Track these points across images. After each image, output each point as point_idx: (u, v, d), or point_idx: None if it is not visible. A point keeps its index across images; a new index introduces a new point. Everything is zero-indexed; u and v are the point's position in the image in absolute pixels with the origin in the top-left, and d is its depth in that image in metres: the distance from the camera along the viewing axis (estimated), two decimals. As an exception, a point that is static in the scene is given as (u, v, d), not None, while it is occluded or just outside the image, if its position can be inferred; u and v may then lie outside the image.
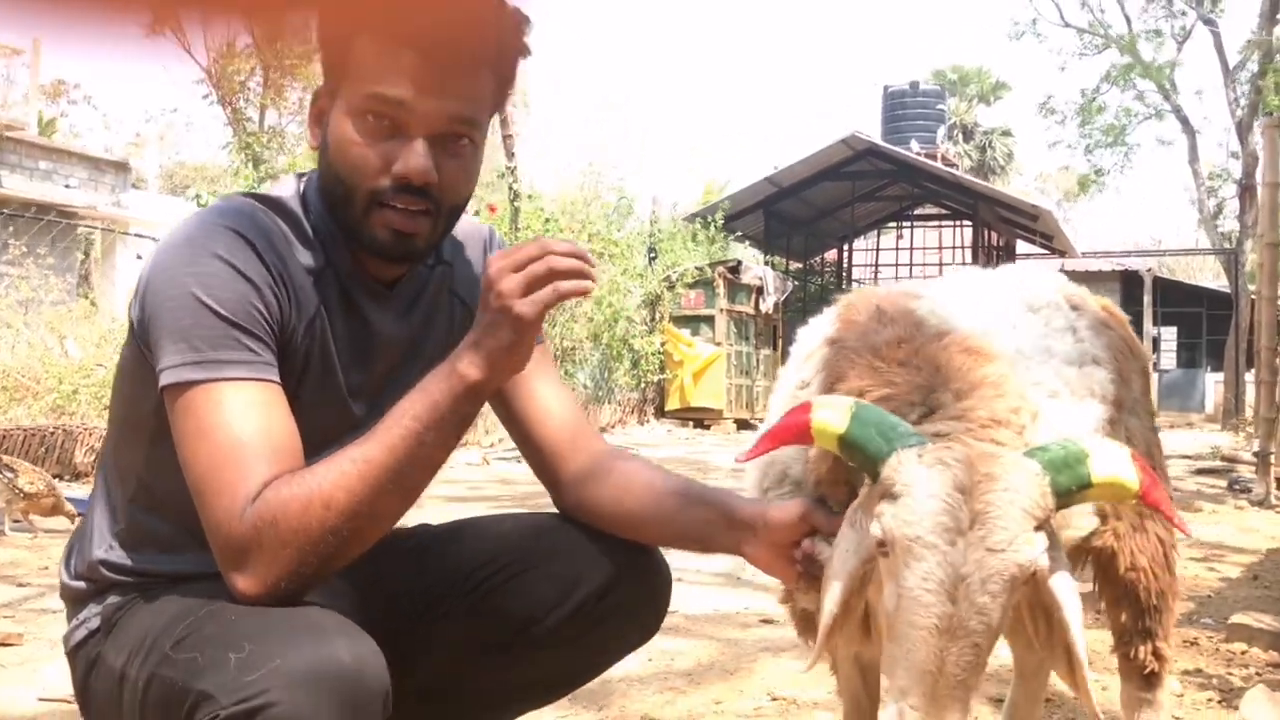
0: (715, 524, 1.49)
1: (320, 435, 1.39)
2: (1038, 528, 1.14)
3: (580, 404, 11.80)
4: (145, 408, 1.41)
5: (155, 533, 1.47)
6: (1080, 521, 1.49)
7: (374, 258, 1.45)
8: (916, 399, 1.32)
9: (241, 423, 1.28)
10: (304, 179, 1.50)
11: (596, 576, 1.55)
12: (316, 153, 1.46)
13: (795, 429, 1.28)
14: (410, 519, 1.77)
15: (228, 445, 1.27)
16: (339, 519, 1.24)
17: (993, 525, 1.12)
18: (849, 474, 1.34)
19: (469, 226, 1.65)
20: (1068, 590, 1.20)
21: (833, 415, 1.24)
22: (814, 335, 1.64)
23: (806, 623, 1.64)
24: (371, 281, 1.49)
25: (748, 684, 2.85)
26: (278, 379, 1.34)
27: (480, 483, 7.25)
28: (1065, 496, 1.17)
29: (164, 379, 1.30)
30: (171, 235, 1.38)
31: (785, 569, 1.45)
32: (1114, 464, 1.17)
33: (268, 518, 1.23)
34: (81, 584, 1.50)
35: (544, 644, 1.56)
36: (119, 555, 1.47)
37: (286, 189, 1.48)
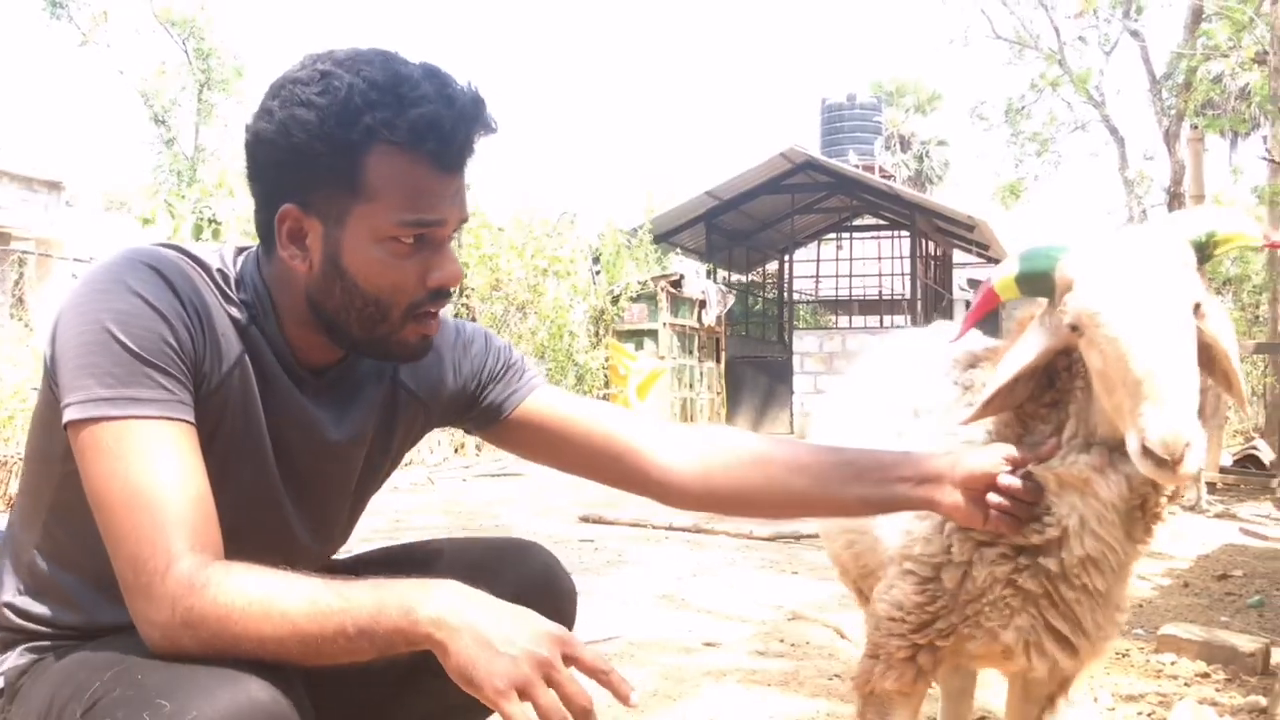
0: (901, 484, 1.56)
1: (235, 492, 1.35)
2: (1189, 271, 1.40)
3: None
4: (53, 452, 1.37)
5: (58, 585, 1.43)
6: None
7: (390, 360, 1.48)
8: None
9: (156, 465, 1.24)
10: (242, 255, 1.46)
11: (504, 595, 1.58)
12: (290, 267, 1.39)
13: (985, 300, 1.57)
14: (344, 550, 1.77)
15: (143, 489, 1.23)
16: (247, 644, 1.21)
17: (1159, 267, 1.37)
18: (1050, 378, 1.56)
19: None
20: (1224, 324, 1.46)
21: (1005, 269, 1.53)
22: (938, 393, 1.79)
23: (877, 706, 1.72)
24: (302, 364, 1.47)
25: (692, 710, 2.87)
26: (192, 420, 1.30)
27: (421, 508, 7.20)
28: (1204, 250, 1.45)
29: (69, 414, 1.25)
30: (87, 273, 1.34)
31: (978, 515, 1.54)
32: (1236, 223, 1.47)
33: (186, 601, 1.21)
34: None
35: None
36: (25, 602, 1.43)
37: (217, 259, 1.44)
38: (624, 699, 1.20)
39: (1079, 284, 1.40)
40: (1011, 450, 1.54)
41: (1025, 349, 1.52)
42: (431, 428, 1.70)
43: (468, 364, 1.65)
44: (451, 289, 1.41)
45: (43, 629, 1.43)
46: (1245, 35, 13.06)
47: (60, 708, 1.27)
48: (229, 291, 1.41)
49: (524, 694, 1.15)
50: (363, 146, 1.31)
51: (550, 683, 1.17)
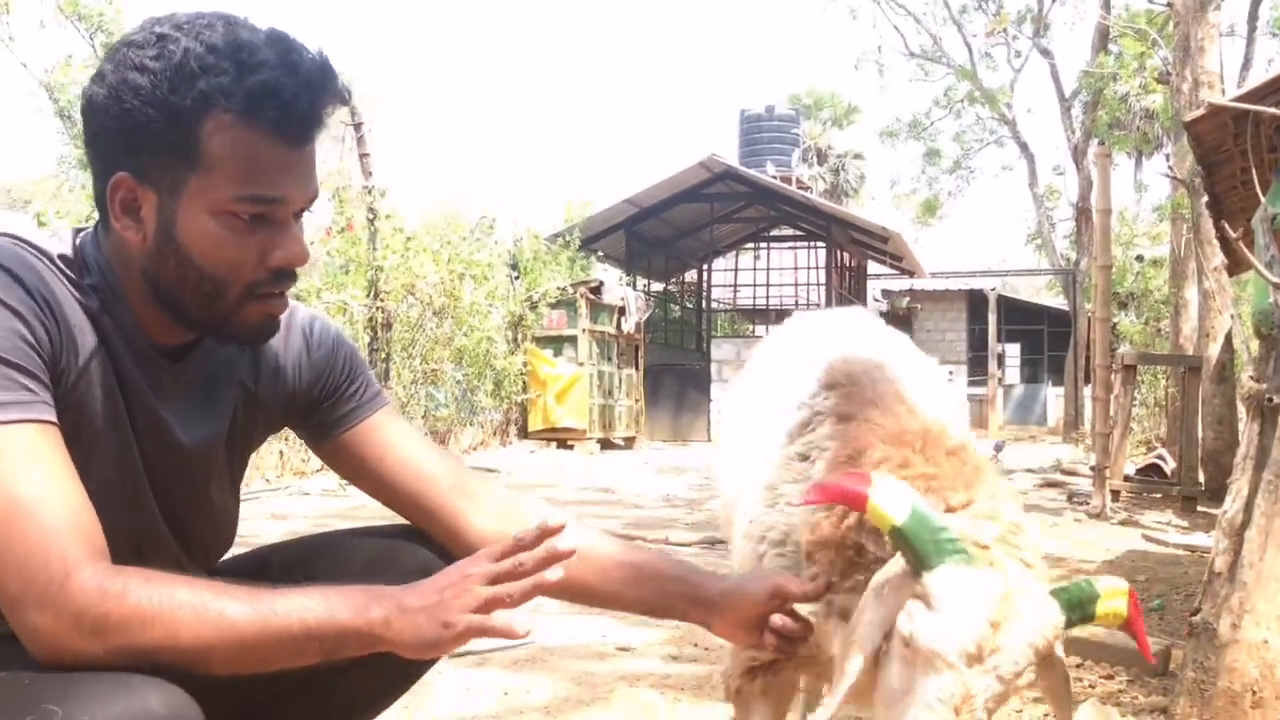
0: (677, 599, 1.60)
1: (99, 492, 1.27)
2: (1045, 658, 1.31)
3: (442, 428, 11.56)
4: None
5: None
6: None
7: (231, 340, 1.41)
8: (960, 487, 1.43)
9: (31, 472, 1.17)
10: (80, 235, 1.38)
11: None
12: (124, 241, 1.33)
13: (850, 497, 1.35)
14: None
15: (21, 498, 1.15)
16: (171, 651, 1.15)
17: (1008, 658, 1.25)
18: (856, 547, 1.46)
19: None
20: (1057, 693, 1.41)
21: (893, 505, 1.32)
22: (792, 397, 1.77)
23: (741, 703, 1.75)
24: (157, 346, 1.40)
25: (606, 716, 2.84)
26: (55, 419, 1.23)
27: (329, 515, 7.07)
28: (1069, 627, 1.35)
29: None
30: None
31: (754, 639, 1.57)
32: (1114, 604, 1.38)
33: (99, 608, 1.14)
34: None
35: (350, 665, 1.53)
36: None
37: (58, 241, 1.35)
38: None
39: (932, 621, 1.27)
40: (786, 585, 1.54)
41: (868, 633, 1.35)
42: (272, 431, 1.63)
43: (309, 369, 1.57)
44: (295, 269, 1.34)
45: None
46: (1149, 57, 13.48)
47: None
48: (75, 278, 1.33)
49: (473, 627, 1.23)
50: (198, 114, 1.25)
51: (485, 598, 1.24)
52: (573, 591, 1.59)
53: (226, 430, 1.50)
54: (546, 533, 1.27)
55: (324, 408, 1.59)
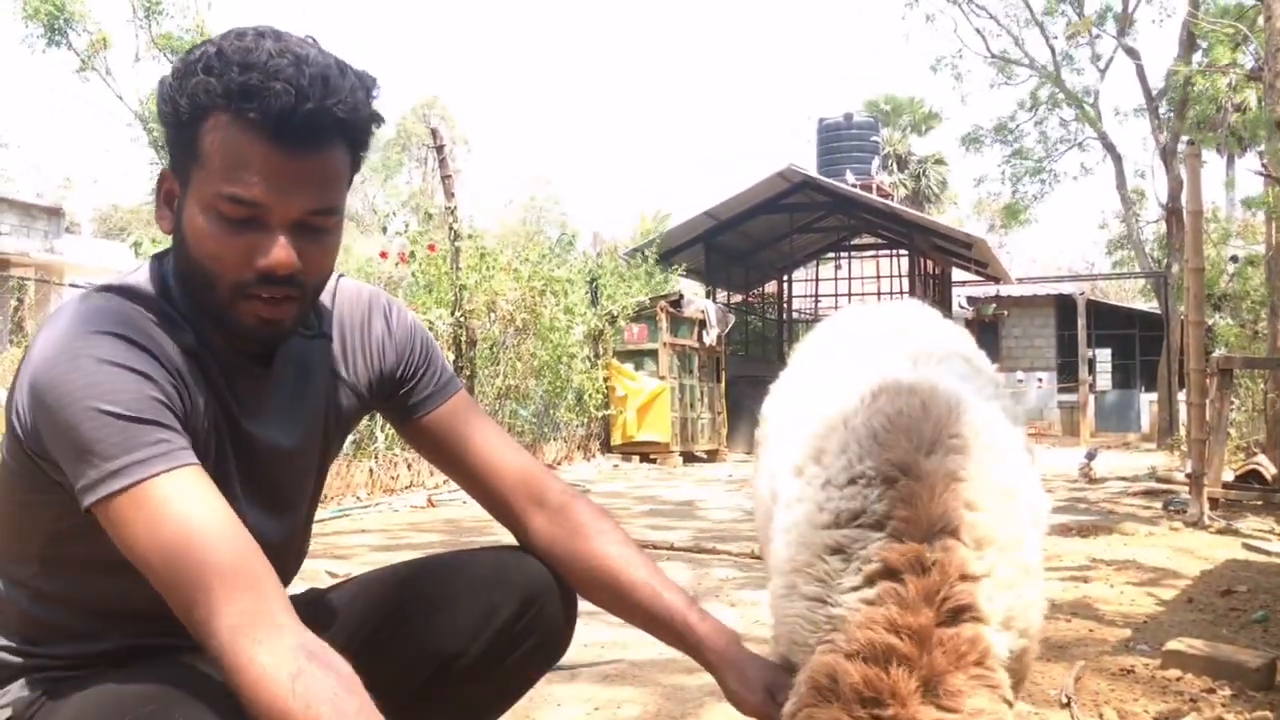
0: (674, 640, 1.68)
1: None
2: None
3: (526, 441, 11.69)
4: (40, 515, 1.39)
5: (52, 619, 1.44)
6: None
7: (236, 338, 1.43)
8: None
9: (183, 520, 1.24)
10: (163, 261, 1.46)
11: (511, 600, 1.62)
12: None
13: None
14: (342, 568, 1.78)
15: (181, 548, 1.23)
16: None
17: None
18: None
19: (352, 296, 1.63)
20: None
21: None
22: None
23: None
24: (246, 357, 1.46)
25: (694, 730, 2.84)
26: (196, 461, 1.30)
27: (421, 524, 7.18)
28: None
29: (85, 501, 1.25)
30: (44, 350, 1.32)
31: (760, 713, 1.58)
32: None
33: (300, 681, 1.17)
34: None
35: (469, 675, 1.60)
36: (17, 639, 1.45)
37: (143, 276, 1.44)
38: None
39: None
40: (774, 687, 1.54)
41: None
42: (365, 413, 1.70)
43: (392, 350, 1.64)
44: (288, 277, 1.35)
45: (41, 662, 1.43)
46: (1240, 53, 13.11)
47: None
48: (170, 314, 1.40)
49: None
50: (200, 111, 1.31)
51: None
52: (588, 586, 1.68)
53: (322, 423, 1.58)
54: None
55: (405, 391, 1.66)
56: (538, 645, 1.66)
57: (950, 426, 1.49)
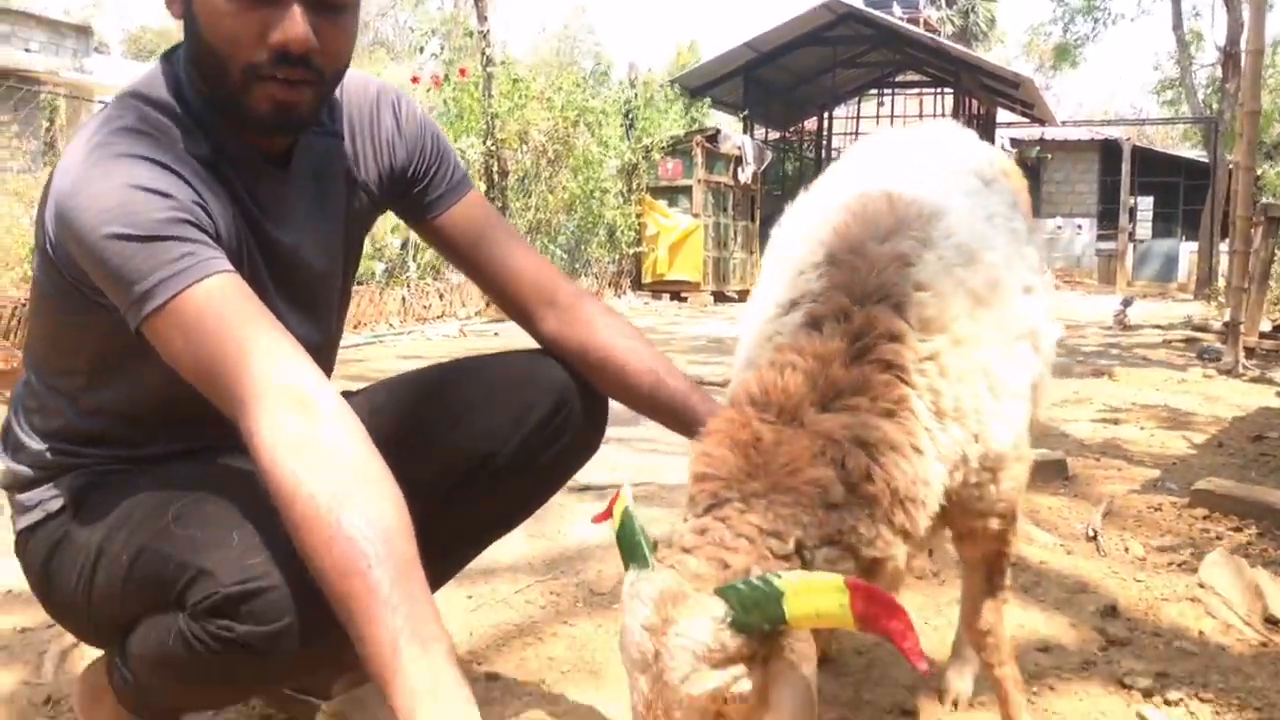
0: (676, 424, 1.66)
1: None
2: (721, 663, 1.14)
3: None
4: (84, 337, 1.40)
5: (103, 431, 1.48)
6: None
7: (255, 131, 1.39)
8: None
9: (217, 327, 1.23)
10: (174, 59, 1.41)
11: (544, 400, 1.65)
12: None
13: (608, 513, 1.36)
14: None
15: (218, 356, 1.22)
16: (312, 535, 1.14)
17: (667, 664, 1.16)
18: None
19: (359, 87, 1.57)
20: (785, 705, 1.18)
21: (615, 516, 1.31)
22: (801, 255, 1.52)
23: None
24: (264, 158, 1.43)
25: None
26: (228, 268, 1.28)
27: (453, 352, 7.25)
28: (760, 632, 1.15)
29: (131, 322, 1.25)
30: (63, 178, 1.29)
31: None
32: (813, 601, 1.12)
33: (284, 474, 1.16)
34: (28, 470, 1.49)
35: (504, 473, 1.63)
36: (68, 446, 1.48)
37: (157, 81, 1.39)
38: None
39: (620, 626, 1.24)
40: None
41: None
42: (379, 213, 1.68)
43: (402, 146, 1.61)
44: (298, 54, 1.29)
45: (86, 462, 1.48)
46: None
47: (145, 515, 1.35)
48: (186, 123, 1.36)
49: None
50: None
51: None
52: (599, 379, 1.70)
53: (342, 229, 1.57)
54: None
55: (418, 189, 1.64)
56: (570, 444, 1.69)
57: (915, 223, 1.44)
